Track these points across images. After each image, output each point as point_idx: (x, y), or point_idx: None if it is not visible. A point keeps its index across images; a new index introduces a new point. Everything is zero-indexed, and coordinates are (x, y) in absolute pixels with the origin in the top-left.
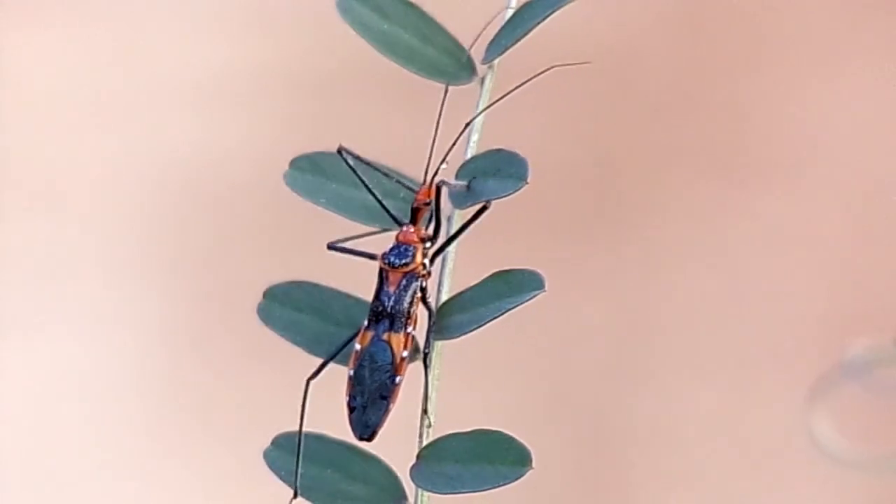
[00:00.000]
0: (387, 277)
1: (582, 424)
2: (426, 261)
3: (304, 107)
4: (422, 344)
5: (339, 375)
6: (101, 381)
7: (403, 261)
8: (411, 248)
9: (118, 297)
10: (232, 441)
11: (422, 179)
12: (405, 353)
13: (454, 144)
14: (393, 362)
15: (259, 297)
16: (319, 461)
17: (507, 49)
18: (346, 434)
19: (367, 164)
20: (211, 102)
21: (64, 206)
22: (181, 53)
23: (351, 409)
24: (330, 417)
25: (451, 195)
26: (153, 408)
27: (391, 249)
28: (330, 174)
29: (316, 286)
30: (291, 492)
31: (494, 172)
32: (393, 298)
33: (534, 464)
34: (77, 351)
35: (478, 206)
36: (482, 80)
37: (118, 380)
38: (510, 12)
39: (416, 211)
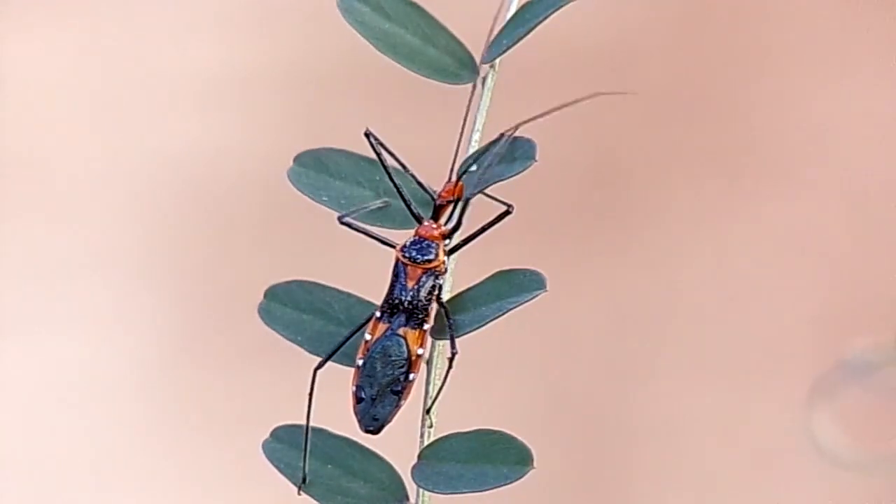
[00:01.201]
0: (405, 271)
1: (582, 424)
2: (445, 259)
3: (304, 106)
4: (428, 345)
5: (341, 372)
6: (100, 380)
7: (426, 257)
8: (433, 245)
9: (117, 297)
10: (231, 440)
11: (425, 179)
12: (420, 351)
13: (484, 149)
14: (408, 358)
15: (258, 297)
16: (320, 456)
17: (508, 48)
18: (347, 430)
19: (391, 153)
20: (210, 102)
21: (63, 206)
22: (180, 53)
23: (358, 400)
24: (330, 414)
25: None
26: (152, 407)
27: (412, 243)
28: (334, 172)
29: (317, 285)
30: (288, 491)
31: (500, 159)
32: (410, 294)
33: (535, 463)
34: (76, 350)
35: (500, 210)
36: (483, 80)
37: (117, 379)
38: (511, 11)
39: (439, 208)
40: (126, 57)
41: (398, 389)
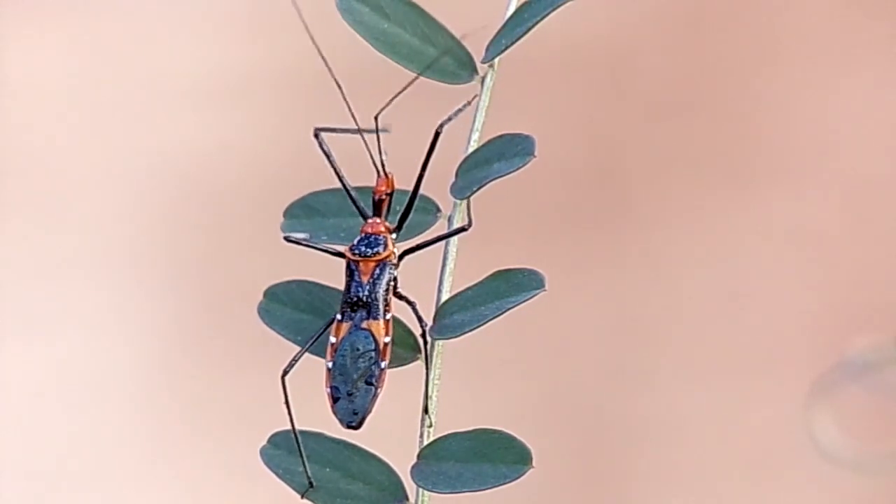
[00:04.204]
0: (358, 269)
1: (582, 424)
2: (395, 250)
3: (303, 105)
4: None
5: None
6: (99, 380)
7: (375, 249)
8: (381, 238)
9: (116, 297)
10: (231, 441)
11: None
12: (387, 339)
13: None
14: (377, 348)
15: (258, 297)
16: (318, 460)
17: (507, 48)
18: (344, 433)
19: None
20: (208, 102)
21: (62, 206)
22: (178, 53)
23: (335, 399)
24: (328, 416)
25: (453, 188)
26: (152, 407)
27: (359, 241)
28: (325, 212)
29: (316, 285)
30: (288, 492)
31: (499, 157)
32: (367, 289)
33: (534, 463)
34: (75, 350)
35: (460, 220)
36: (483, 80)
37: (117, 379)
38: (510, 11)
39: (378, 203)
40: (125, 57)
41: (372, 380)
